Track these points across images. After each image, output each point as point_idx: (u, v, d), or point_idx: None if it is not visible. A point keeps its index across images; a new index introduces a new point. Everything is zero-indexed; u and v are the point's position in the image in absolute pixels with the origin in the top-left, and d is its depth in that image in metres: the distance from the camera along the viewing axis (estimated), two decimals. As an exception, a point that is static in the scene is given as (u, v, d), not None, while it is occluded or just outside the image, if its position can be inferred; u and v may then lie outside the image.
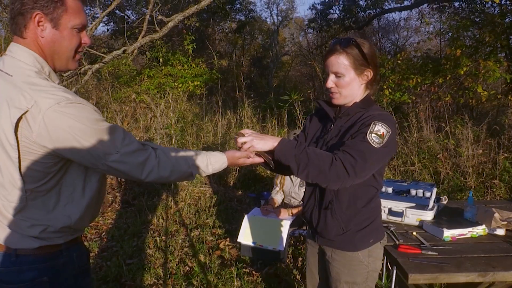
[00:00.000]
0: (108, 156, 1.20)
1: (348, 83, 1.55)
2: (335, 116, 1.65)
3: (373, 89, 1.65)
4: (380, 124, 1.46)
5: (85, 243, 3.67)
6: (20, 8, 1.18)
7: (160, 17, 6.53)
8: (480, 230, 2.28)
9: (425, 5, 10.37)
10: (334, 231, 1.61)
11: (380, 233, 1.69)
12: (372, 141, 1.43)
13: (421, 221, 2.42)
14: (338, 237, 1.62)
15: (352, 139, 1.49)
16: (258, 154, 1.54)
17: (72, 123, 1.14)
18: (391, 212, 2.49)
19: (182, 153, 1.40)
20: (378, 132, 1.44)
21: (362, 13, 11.35)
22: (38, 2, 1.18)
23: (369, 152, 1.43)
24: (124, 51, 6.22)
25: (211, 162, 1.46)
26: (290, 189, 3.54)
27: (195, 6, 6.46)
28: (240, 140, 1.53)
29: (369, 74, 1.57)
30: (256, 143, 1.50)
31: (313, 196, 1.70)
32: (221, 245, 3.66)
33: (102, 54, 6.29)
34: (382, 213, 2.33)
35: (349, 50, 1.52)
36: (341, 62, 1.53)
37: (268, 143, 1.50)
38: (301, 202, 3.46)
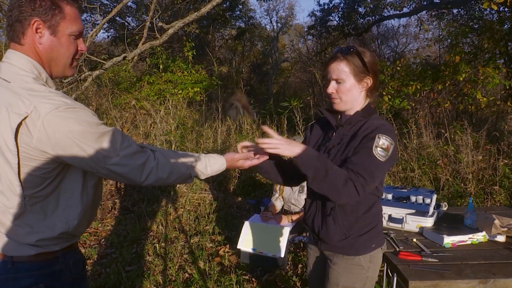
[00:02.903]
0: (108, 159, 1.21)
1: (348, 89, 1.59)
2: (337, 124, 1.67)
3: (373, 97, 1.67)
4: (384, 137, 1.49)
5: (84, 250, 3.66)
6: (19, 15, 1.19)
7: (160, 24, 6.55)
8: (480, 236, 2.27)
9: (424, 12, 10.43)
10: (337, 237, 1.63)
11: (381, 239, 1.71)
12: (378, 155, 1.47)
13: (421, 228, 2.41)
14: (340, 242, 1.64)
15: (357, 153, 1.51)
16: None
17: (71, 127, 1.14)
18: (391, 218, 2.48)
19: (180, 155, 1.41)
20: (383, 146, 1.48)
21: (361, 20, 11.40)
22: (36, 9, 1.19)
23: (377, 167, 1.48)
24: (124, 58, 6.23)
25: (210, 164, 1.47)
26: (289, 195, 3.53)
27: (195, 13, 6.49)
28: (242, 144, 1.62)
29: (368, 81, 1.60)
30: (284, 148, 1.47)
31: (315, 203, 1.72)
32: (221, 252, 3.64)
33: (102, 61, 6.31)
34: (382, 219, 2.34)
35: (349, 57, 1.56)
36: (341, 68, 1.57)
37: (294, 150, 1.47)
38: (302, 208, 3.46)
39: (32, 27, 1.20)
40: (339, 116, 1.70)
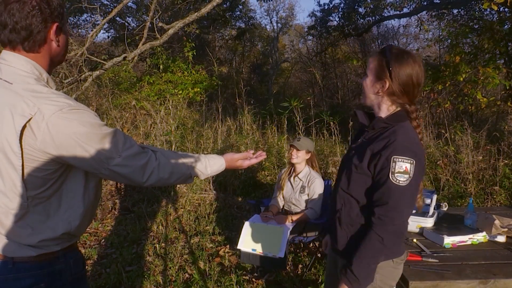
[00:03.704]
0: (110, 160, 1.21)
1: (367, 84, 1.61)
2: (365, 129, 1.66)
3: (404, 107, 1.56)
4: (400, 160, 1.42)
5: (84, 250, 3.66)
6: (38, 25, 1.18)
7: (160, 24, 6.56)
8: (480, 237, 2.27)
9: (424, 12, 10.43)
10: (342, 240, 1.62)
11: (393, 251, 1.58)
12: (398, 181, 1.42)
13: (422, 228, 2.41)
14: (344, 247, 1.62)
15: (376, 185, 1.48)
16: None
17: (75, 129, 1.14)
18: (391, 218, 2.48)
19: (181, 156, 1.43)
20: (400, 170, 1.42)
21: (362, 20, 11.40)
22: (53, 13, 1.21)
23: (400, 196, 1.43)
24: (124, 58, 6.24)
25: (210, 164, 1.49)
26: (290, 195, 3.53)
27: (195, 13, 6.50)
28: (251, 151, 1.64)
29: (384, 84, 1.54)
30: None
31: (331, 205, 1.72)
32: (221, 252, 3.64)
33: (102, 61, 6.31)
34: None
35: (378, 55, 1.58)
36: (369, 64, 1.60)
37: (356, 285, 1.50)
38: (302, 209, 3.46)
39: (55, 33, 1.22)
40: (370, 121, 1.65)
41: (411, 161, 1.43)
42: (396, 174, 1.42)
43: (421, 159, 1.48)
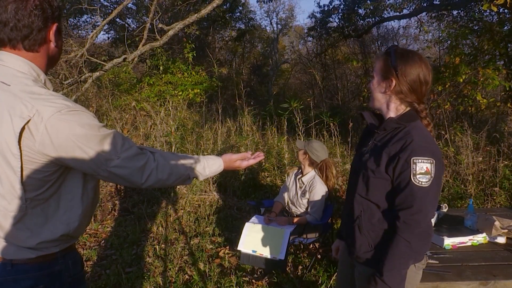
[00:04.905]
0: (109, 161, 1.21)
1: (374, 86, 1.60)
2: (374, 131, 1.63)
3: (413, 106, 1.55)
4: (420, 161, 1.41)
5: (84, 251, 3.66)
6: (39, 24, 1.19)
7: (160, 25, 6.56)
8: (480, 238, 2.27)
9: (424, 13, 10.43)
10: (363, 248, 1.59)
11: (420, 254, 1.56)
12: (420, 182, 1.41)
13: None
14: (366, 254, 1.59)
15: (398, 189, 1.45)
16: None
17: (74, 131, 1.14)
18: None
19: (179, 157, 1.43)
20: (422, 171, 1.40)
21: (361, 21, 11.39)
22: (54, 14, 1.22)
23: (424, 197, 1.41)
24: (124, 59, 6.25)
25: (208, 165, 1.48)
26: (293, 197, 3.53)
27: (195, 15, 6.51)
28: (249, 152, 1.63)
29: (391, 83, 1.53)
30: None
31: (348, 207, 1.69)
32: (221, 253, 3.64)
33: (102, 62, 6.31)
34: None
35: (382, 55, 1.59)
36: (375, 65, 1.61)
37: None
38: (302, 212, 3.46)
39: (54, 33, 1.23)
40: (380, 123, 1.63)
41: (431, 161, 1.42)
42: (418, 176, 1.40)
43: (440, 157, 1.46)
